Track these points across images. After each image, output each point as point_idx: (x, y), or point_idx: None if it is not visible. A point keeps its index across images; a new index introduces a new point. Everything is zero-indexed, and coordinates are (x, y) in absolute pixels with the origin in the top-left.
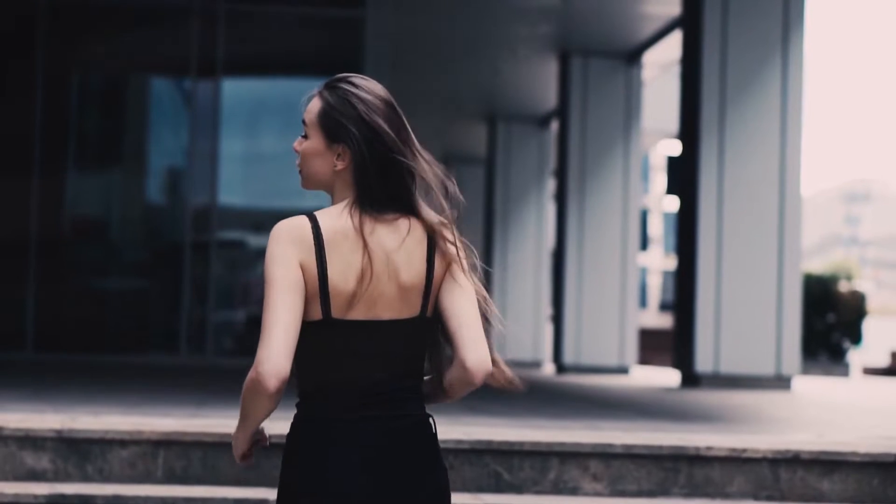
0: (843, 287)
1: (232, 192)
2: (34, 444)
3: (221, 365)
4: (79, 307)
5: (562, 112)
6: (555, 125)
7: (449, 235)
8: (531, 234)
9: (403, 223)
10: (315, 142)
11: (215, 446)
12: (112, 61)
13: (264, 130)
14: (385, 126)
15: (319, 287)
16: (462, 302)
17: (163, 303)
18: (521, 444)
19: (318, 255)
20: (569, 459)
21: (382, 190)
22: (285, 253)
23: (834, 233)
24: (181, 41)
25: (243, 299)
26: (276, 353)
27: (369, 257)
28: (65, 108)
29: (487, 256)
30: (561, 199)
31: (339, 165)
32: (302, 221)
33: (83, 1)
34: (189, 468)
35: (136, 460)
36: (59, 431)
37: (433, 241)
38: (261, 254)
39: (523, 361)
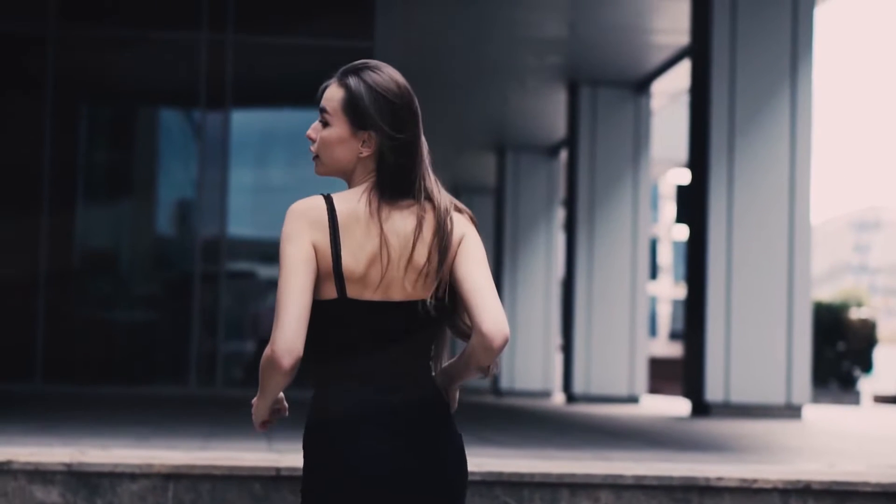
0: (854, 315)
1: (241, 223)
2: (44, 478)
3: (231, 396)
4: (88, 338)
5: (571, 141)
6: (564, 154)
7: (464, 217)
8: (541, 263)
9: (419, 209)
10: (339, 129)
11: (225, 479)
12: (121, 92)
13: (273, 161)
14: (409, 113)
15: (333, 268)
16: (474, 267)
17: (172, 334)
18: (532, 475)
19: (332, 236)
20: (579, 490)
21: (405, 176)
22: (299, 232)
23: (843, 261)
24: (190, 72)
25: (253, 330)
26: (290, 333)
27: (385, 242)
28: (74, 140)
29: (497, 286)
30: (570, 228)
31: (365, 152)
32: (317, 202)
33: (91, 32)
34: (198, 501)
35: (146, 494)
36: (68, 465)
37: (447, 225)
38: (271, 284)
39: (533, 391)
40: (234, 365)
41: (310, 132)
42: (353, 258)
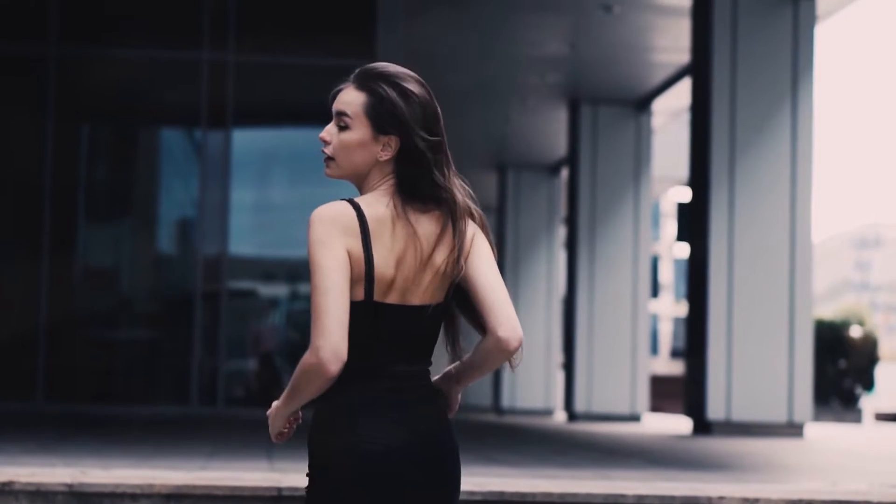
0: (855, 333)
1: (242, 242)
2: (45, 498)
3: (233, 415)
4: (89, 357)
5: (572, 160)
6: (565, 173)
7: (478, 222)
8: (542, 281)
9: (440, 213)
10: (359, 133)
11: (226, 499)
12: (122, 112)
13: (274, 180)
14: (435, 114)
15: (365, 272)
16: (487, 268)
17: (173, 353)
18: (534, 494)
19: (364, 240)
20: None
21: (428, 179)
22: (332, 238)
23: (845, 278)
24: (191, 91)
25: (254, 349)
26: (336, 336)
27: (417, 246)
28: (75, 159)
29: None
30: (571, 246)
31: (385, 156)
32: (346, 208)
33: (93, 52)
34: None
35: None
36: (69, 486)
37: (463, 228)
38: (272, 303)
39: (534, 409)
40: (236, 383)
41: (324, 135)
42: (384, 262)
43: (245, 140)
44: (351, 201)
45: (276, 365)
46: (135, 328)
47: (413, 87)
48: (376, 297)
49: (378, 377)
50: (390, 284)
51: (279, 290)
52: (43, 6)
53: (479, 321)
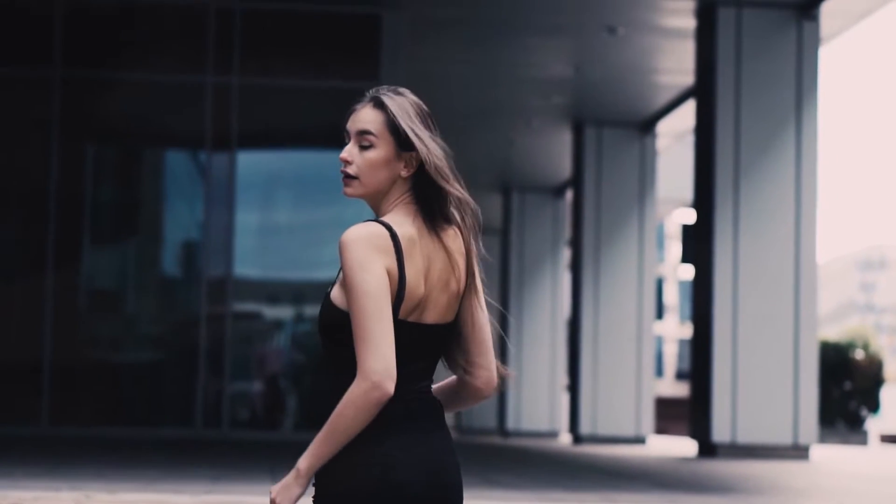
0: (860, 354)
1: (247, 264)
2: None
3: (237, 438)
4: (94, 380)
5: (576, 182)
6: (569, 195)
7: (476, 246)
8: (546, 303)
9: (453, 231)
10: (384, 150)
11: None
12: (127, 134)
13: (279, 202)
14: (438, 131)
15: (397, 291)
16: (482, 315)
17: (178, 375)
18: None
19: (398, 261)
20: None
21: (444, 197)
22: (373, 260)
23: (849, 300)
24: (196, 114)
25: (259, 371)
26: (390, 359)
27: (439, 264)
28: (80, 181)
29: (503, 326)
30: (576, 268)
31: (407, 172)
32: (380, 229)
33: (98, 74)
34: None
35: None
36: None
37: (471, 247)
38: (277, 325)
39: (539, 432)
40: (241, 406)
41: (345, 155)
42: (415, 281)
43: (249, 162)
44: (380, 221)
45: (281, 387)
46: (139, 350)
47: (422, 104)
48: (401, 315)
49: (398, 399)
50: (417, 304)
51: (284, 312)
52: (49, 30)
53: (453, 355)
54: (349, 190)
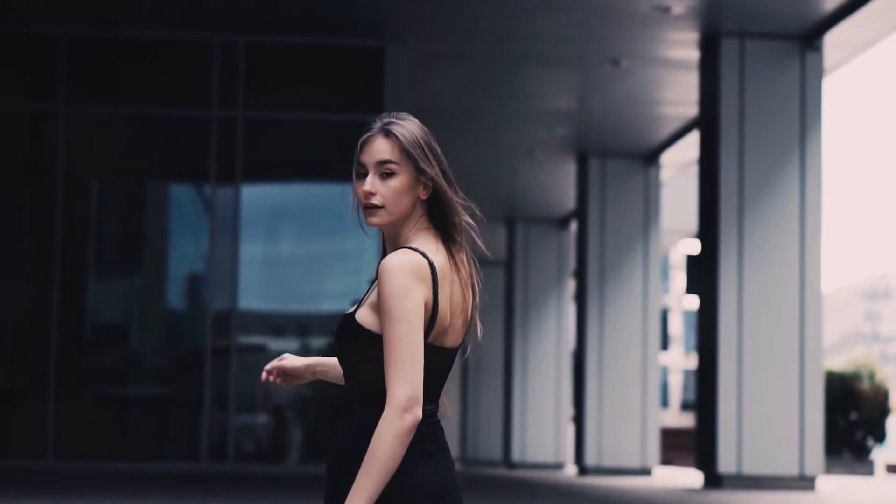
0: (866, 384)
1: (252, 297)
2: None
3: (243, 471)
4: (99, 414)
5: (580, 213)
6: (574, 226)
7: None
8: (551, 334)
9: (464, 255)
10: (405, 176)
11: None
12: (132, 168)
13: (283, 235)
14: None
15: (429, 319)
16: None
17: (183, 408)
18: None
19: (434, 290)
20: None
21: (456, 220)
22: (415, 289)
23: (855, 330)
24: (200, 147)
25: (265, 404)
26: (417, 387)
27: (461, 289)
28: (85, 215)
29: (508, 357)
30: (581, 299)
31: (425, 195)
32: (421, 259)
33: (102, 107)
34: None
35: None
36: None
37: (474, 275)
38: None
39: (545, 463)
40: (246, 439)
41: (368, 188)
42: (444, 309)
43: (254, 195)
44: (417, 250)
45: (286, 420)
46: (144, 384)
47: (427, 129)
48: (429, 339)
49: (428, 416)
50: (443, 329)
51: (289, 344)
52: (54, 64)
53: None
54: (375, 220)
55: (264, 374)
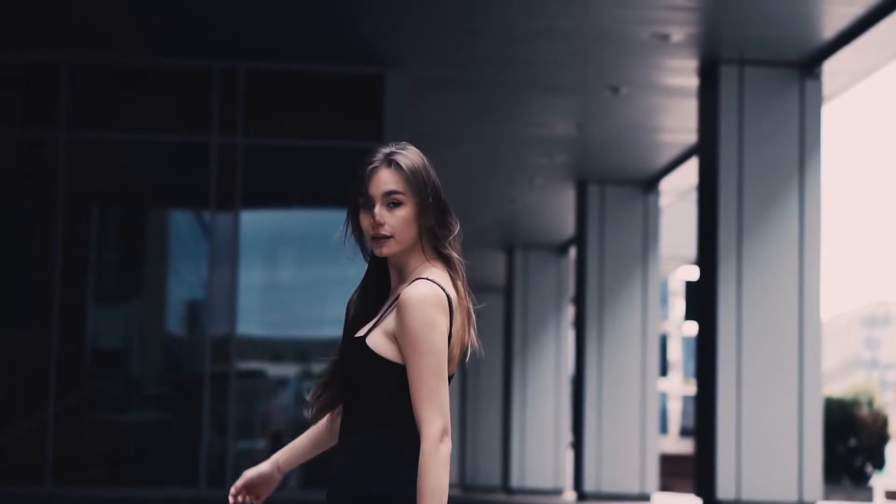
0: (865, 411)
1: (251, 323)
2: None
3: None
4: (98, 440)
5: (579, 239)
6: (573, 252)
7: None
8: (550, 360)
9: (461, 284)
10: (411, 205)
11: None
12: (131, 194)
13: (283, 261)
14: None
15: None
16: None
17: (182, 434)
18: None
19: (450, 321)
20: None
21: (448, 252)
22: (440, 321)
23: (854, 356)
24: (200, 173)
25: (263, 430)
26: (447, 416)
27: (465, 318)
28: (84, 241)
29: (507, 383)
30: (580, 325)
31: (429, 222)
32: (440, 291)
33: (102, 134)
34: None
35: None
36: None
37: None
38: (281, 383)
39: (544, 489)
40: (245, 465)
41: (377, 218)
42: (456, 339)
43: (253, 221)
44: (434, 282)
45: (286, 445)
46: (143, 409)
47: (425, 156)
48: None
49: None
50: (450, 358)
51: (288, 370)
52: (54, 90)
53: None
54: (385, 249)
55: (231, 501)
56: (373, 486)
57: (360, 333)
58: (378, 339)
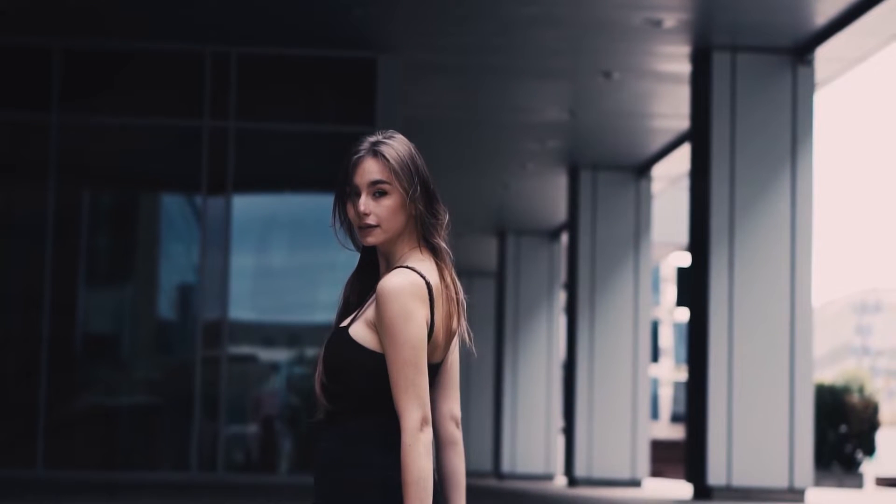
0: (856, 398)
1: (243, 307)
2: None
3: (233, 481)
4: (90, 424)
5: (571, 225)
6: (565, 238)
7: None
8: (542, 346)
9: (448, 271)
10: (398, 195)
11: None
12: (123, 178)
13: (274, 246)
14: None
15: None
16: (455, 355)
17: (173, 418)
18: None
19: (431, 310)
20: None
21: (436, 242)
22: (416, 311)
23: (845, 343)
24: (192, 158)
25: (255, 414)
26: (426, 407)
27: (451, 306)
28: (76, 225)
29: (498, 368)
30: (571, 311)
31: (414, 211)
32: (419, 279)
33: (94, 118)
34: None
35: None
36: None
37: (458, 290)
38: (273, 368)
39: (535, 474)
40: (236, 449)
41: (362, 209)
42: (438, 327)
43: (245, 206)
44: (414, 270)
45: (276, 430)
46: (134, 394)
47: (413, 145)
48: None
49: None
50: (434, 347)
51: (280, 355)
52: (46, 73)
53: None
54: (371, 239)
55: None
56: (357, 474)
57: (345, 323)
58: (360, 329)
